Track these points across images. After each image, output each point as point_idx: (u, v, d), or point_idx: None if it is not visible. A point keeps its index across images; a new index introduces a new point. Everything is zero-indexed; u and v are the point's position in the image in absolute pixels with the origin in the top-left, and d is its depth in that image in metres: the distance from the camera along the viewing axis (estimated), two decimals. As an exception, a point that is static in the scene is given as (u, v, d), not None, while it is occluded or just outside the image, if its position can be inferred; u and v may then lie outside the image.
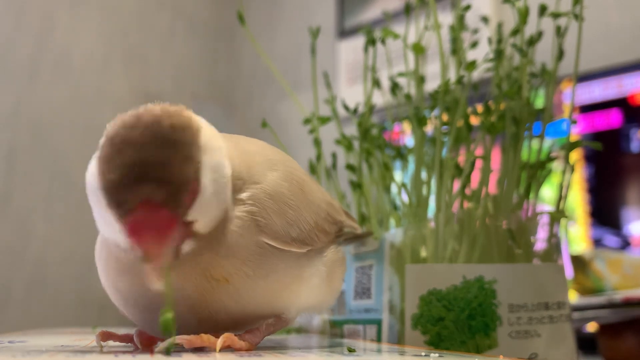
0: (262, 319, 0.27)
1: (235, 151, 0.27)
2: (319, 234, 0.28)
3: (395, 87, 0.43)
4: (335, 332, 0.40)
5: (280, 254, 0.26)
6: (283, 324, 0.28)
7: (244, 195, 0.26)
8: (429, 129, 0.40)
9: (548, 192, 0.51)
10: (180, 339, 0.23)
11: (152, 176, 0.21)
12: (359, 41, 1.54)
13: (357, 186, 0.42)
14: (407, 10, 0.43)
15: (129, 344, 0.28)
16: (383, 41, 0.44)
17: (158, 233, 0.21)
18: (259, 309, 0.27)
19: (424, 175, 0.39)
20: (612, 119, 0.82)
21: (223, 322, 0.26)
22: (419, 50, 0.40)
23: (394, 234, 0.38)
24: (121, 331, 0.28)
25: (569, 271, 0.54)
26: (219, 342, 0.24)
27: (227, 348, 0.24)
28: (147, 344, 0.27)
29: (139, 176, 0.21)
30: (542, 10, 0.39)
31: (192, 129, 0.23)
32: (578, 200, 0.80)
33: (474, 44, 0.42)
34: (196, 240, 0.24)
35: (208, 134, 0.24)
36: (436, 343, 0.33)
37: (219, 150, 0.24)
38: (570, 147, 0.38)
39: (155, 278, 0.21)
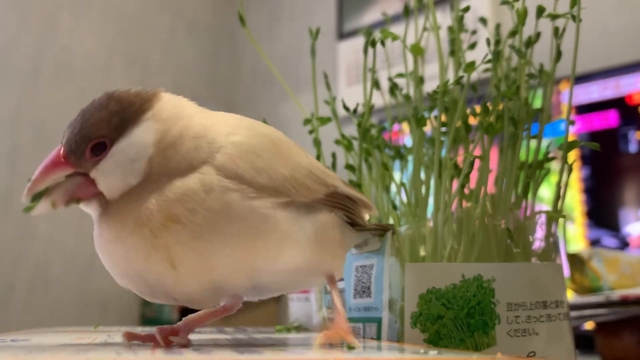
0: (245, 276, 0.27)
1: (208, 120, 0.28)
2: (297, 187, 0.28)
3: (394, 88, 0.43)
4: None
5: (248, 203, 0.26)
6: (335, 283, 0.30)
7: (205, 149, 0.27)
8: (427, 129, 0.40)
9: (546, 192, 0.52)
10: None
11: (71, 126, 0.27)
12: (358, 43, 1.54)
13: (356, 186, 0.42)
14: (406, 12, 0.43)
15: (151, 342, 0.28)
16: (382, 42, 0.44)
17: (44, 164, 0.26)
18: (233, 259, 0.26)
19: (422, 175, 0.39)
20: (610, 119, 0.82)
21: (209, 274, 0.26)
22: (417, 51, 0.40)
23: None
24: (123, 330, 0.29)
25: (566, 270, 0.54)
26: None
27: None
28: (168, 340, 0.28)
29: (67, 126, 0.27)
30: (540, 11, 0.39)
31: (133, 104, 0.27)
32: (576, 200, 0.81)
33: (473, 45, 0.42)
34: (102, 204, 0.26)
35: (160, 115, 0.27)
36: (435, 341, 0.34)
37: (155, 133, 0.26)
38: (568, 147, 0.38)
39: (24, 195, 0.26)
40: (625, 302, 0.44)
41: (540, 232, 0.38)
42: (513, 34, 0.39)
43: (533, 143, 0.39)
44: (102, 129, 0.26)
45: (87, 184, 0.26)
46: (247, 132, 0.28)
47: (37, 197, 0.26)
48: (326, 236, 0.30)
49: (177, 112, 0.28)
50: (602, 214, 0.77)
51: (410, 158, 0.42)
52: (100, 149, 0.26)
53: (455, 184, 0.37)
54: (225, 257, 0.26)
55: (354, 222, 0.33)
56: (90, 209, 0.27)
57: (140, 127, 0.26)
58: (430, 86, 0.41)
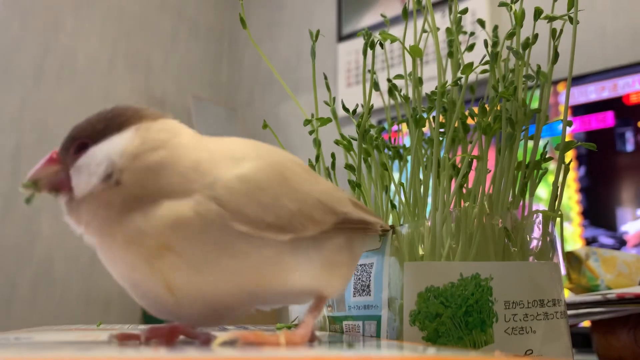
0: (247, 302, 0.27)
1: (210, 146, 0.28)
2: (304, 222, 0.27)
3: (393, 89, 0.44)
4: (335, 328, 0.41)
5: (250, 239, 0.26)
6: (322, 304, 0.30)
7: (202, 178, 0.26)
8: (426, 129, 0.40)
9: (543, 192, 0.52)
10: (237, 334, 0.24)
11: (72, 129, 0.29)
12: (358, 44, 1.54)
13: (356, 186, 0.43)
14: (405, 14, 0.44)
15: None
16: (381, 44, 0.44)
17: (42, 160, 0.28)
18: (234, 292, 0.26)
19: (421, 175, 0.39)
20: (607, 119, 0.83)
21: (203, 303, 0.26)
22: (416, 52, 0.41)
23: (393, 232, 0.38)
24: (125, 328, 0.29)
25: (562, 269, 0.54)
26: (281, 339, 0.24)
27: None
28: (172, 338, 0.28)
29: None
30: (538, 14, 0.40)
31: (123, 115, 0.28)
32: (573, 200, 0.81)
33: (471, 47, 0.42)
34: (69, 199, 0.28)
35: (146, 132, 0.27)
36: (434, 339, 0.34)
37: (131, 143, 0.27)
38: (564, 147, 0.38)
39: (21, 185, 0.28)
40: (622, 300, 0.44)
41: (537, 232, 0.38)
42: (511, 35, 0.40)
43: (530, 143, 0.39)
44: (87, 130, 0.28)
45: (67, 178, 0.28)
46: (254, 163, 0.27)
47: (30, 187, 0.28)
48: (334, 261, 0.30)
49: (171, 134, 0.28)
50: (599, 213, 0.77)
51: (409, 158, 0.42)
52: (83, 148, 0.28)
53: (454, 184, 0.38)
54: (226, 287, 0.26)
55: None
56: (62, 203, 0.29)
57: (118, 136, 0.27)
58: (428, 87, 0.42)
